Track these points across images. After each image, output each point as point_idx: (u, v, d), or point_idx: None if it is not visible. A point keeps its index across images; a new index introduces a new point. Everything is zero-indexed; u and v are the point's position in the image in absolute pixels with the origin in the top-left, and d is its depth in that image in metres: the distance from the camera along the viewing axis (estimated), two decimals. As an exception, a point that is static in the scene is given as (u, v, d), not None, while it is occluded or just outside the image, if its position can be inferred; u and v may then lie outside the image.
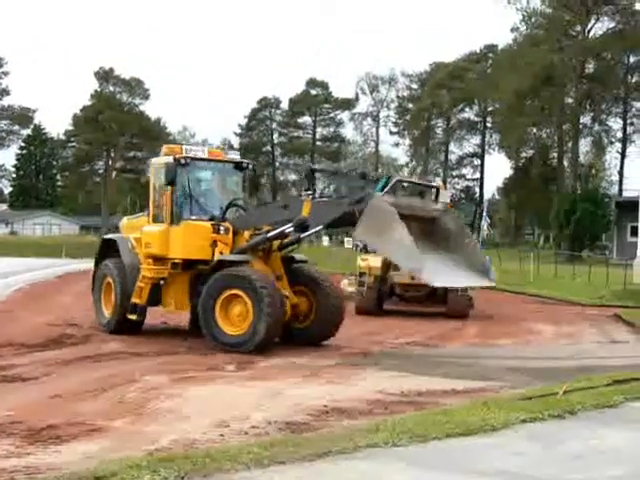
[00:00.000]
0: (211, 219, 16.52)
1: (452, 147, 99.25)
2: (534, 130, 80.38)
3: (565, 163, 76.83)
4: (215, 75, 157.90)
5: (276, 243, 16.10)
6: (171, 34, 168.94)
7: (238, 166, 17.59)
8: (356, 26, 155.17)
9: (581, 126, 76.12)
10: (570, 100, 74.63)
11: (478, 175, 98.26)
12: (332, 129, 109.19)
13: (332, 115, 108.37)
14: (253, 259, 15.88)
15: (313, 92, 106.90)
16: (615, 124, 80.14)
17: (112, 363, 13.29)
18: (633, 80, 74.25)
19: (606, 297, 30.66)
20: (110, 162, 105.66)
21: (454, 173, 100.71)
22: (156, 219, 16.98)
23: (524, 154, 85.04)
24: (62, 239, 71.80)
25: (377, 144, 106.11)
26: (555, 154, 79.90)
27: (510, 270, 39.48)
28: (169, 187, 16.42)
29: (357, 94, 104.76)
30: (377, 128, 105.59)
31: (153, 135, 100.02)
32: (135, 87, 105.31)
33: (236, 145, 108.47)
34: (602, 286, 33.33)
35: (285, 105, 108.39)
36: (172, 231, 16.47)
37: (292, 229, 15.54)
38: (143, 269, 16.57)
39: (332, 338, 16.25)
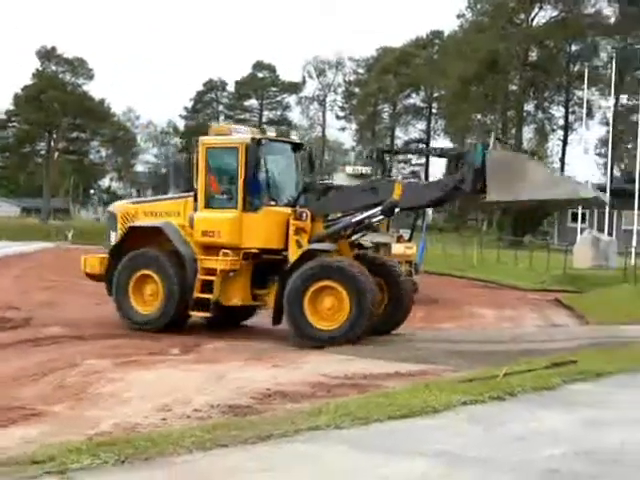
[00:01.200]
0: (286, 205, 15.50)
1: (398, 132, 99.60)
2: (479, 117, 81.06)
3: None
4: (160, 56, 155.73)
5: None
6: (116, 13, 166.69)
7: (297, 147, 16.68)
8: (303, 9, 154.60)
9: (525, 113, 77.01)
10: (514, 87, 75.40)
11: (423, 160, 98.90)
12: (279, 112, 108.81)
13: (279, 98, 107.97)
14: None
15: (260, 75, 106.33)
16: (557, 112, 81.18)
17: (53, 347, 13.13)
18: (575, 69, 75.10)
19: (547, 282, 31.16)
20: (52, 143, 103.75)
21: (400, 158, 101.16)
22: (210, 204, 15.48)
23: (469, 140, 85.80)
24: (2, 221, 70.52)
25: (324, 128, 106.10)
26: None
27: (454, 255, 39.85)
28: (240, 170, 15.05)
29: (304, 78, 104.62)
30: (324, 112, 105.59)
31: (97, 116, 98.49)
32: (78, 67, 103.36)
33: (181, 128, 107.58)
34: (543, 271, 33.85)
35: (231, 88, 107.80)
36: (247, 218, 15.09)
37: (380, 213, 14.94)
38: (211, 261, 15.08)
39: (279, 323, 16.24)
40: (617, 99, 63.46)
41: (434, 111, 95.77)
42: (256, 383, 10.26)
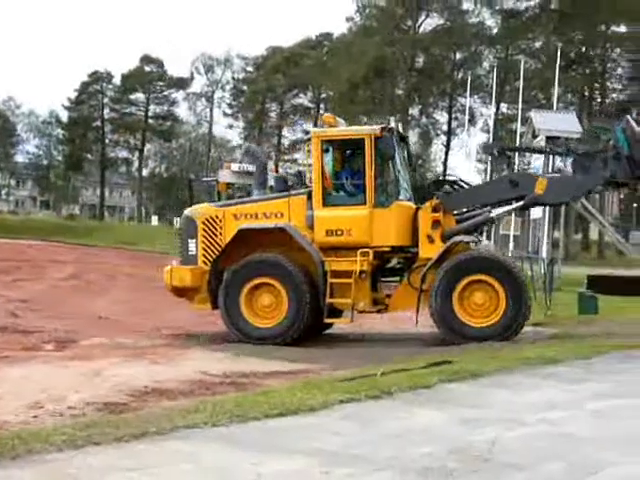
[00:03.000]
0: (408, 199, 14.95)
1: (285, 132, 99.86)
2: (365, 119, 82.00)
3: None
4: (44, 45, 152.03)
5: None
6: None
7: (403, 139, 16.00)
8: (193, 4, 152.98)
9: (410, 118, 78.28)
10: (400, 92, 76.61)
11: (311, 160, 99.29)
12: (165, 107, 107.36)
13: (166, 93, 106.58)
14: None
15: (147, 69, 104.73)
16: (441, 117, 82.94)
17: None
18: (459, 76, 76.87)
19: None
20: None
21: (286, 157, 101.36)
22: (330, 202, 14.48)
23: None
24: None
25: (211, 125, 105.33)
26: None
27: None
28: (368, 163, 14.13)
29: (192, 74, 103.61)
30: (211, 109, 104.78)
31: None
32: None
33: (64, 119, 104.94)
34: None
35: (118, 80, 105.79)
36: (378, 215, 14.24)
37: (522, 208, 14.78)
38: (342, 262, 14.20)
39: (162, 319, 15.95)
40: (498, 107, 65.22)
41: (322, 112, 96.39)
42: (133, 380, 10.08)
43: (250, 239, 14.59)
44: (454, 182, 15.61)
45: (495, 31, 75.63)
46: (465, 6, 75.58)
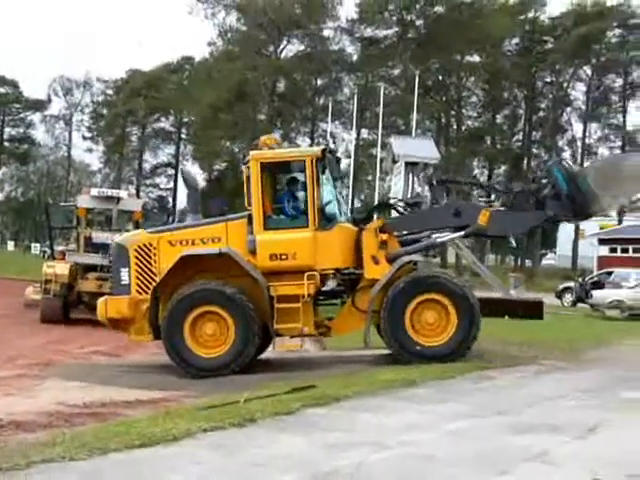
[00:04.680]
0: (347, 221, 14.82)
1: (147, 156, 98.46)
2: (227, 143, 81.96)
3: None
4: None
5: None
6: None
7: (338, 159, 15.95)
8: (51, 28, 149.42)
9: (271, 142, 78.64)
10: (262, 117, 76.99)
11: (172, 185, 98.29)
12: (22, 130, 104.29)
13: (22, 115, 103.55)
14: None
15: (2, 90, 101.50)
16: (303, 142, 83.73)
17: None
18: (320, 102, 77.92)
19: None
20: None
21: (148, 182, 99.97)
22: (270, 225, 14.13)
23: (217, 166, 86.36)
24: None
25: (70, 148, 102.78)
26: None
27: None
28: (309, 185, 14.01)
29: (49, 96, 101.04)
30: (70, 132, 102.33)
31: None
32: None
33: None
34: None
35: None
36: (321, 237, 14.04)
37: (464, 237, 15.04)
38: (288, 287, 13.89)
39: (14, 347, 15.41)
40: (358, 133, 66.44)
41: (183, 136, 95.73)
42: (-14, 414, 9.67)
43: (191, 266, 14.11)
44: (394, 205, 16.03)
45: (355, 58, 77.19)
46: (326, 33, 76.90)
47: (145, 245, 14.46)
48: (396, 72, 74.24)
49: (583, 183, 14.78)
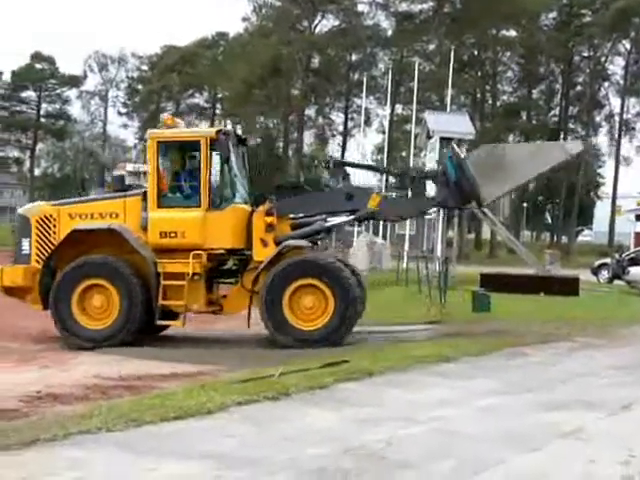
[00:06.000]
0: (245, 202, 14.83)
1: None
2: (262, 119, 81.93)
3: (290, 153, 79.19)
4: None
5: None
6: None
7: (242, 141, 15.78)
8: (85, 1, 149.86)
9: (306, 118, 78.61)
10: (296, 92, 76.81)
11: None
12: (58, 106, 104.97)
13: (58, 92, 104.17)
14: None
15: (38, 66, 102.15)
16: (337, 118, 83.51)
17: None
18: (355, 77, 77.51)
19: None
20: None
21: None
22: (164, 203, 14.27)
23: (252, 142, 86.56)
24: None
25: (105, 124, 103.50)
26: (281, 143, 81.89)
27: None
28: (203, 165, 14.09)
29: (85, 72, 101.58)
30: (105, 108, 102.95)
31: None
32: None
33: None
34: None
35: (7, 77, 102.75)
36: (212, 217, 14.17)
37: (355, 220, 15.21)
38: (175, 264, 13.95)
39: (47, 322, 15.56)
40: (393, 109, 66.04)
41: (218, 112, 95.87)
42: (25, 386, 9.85)
43: (83, 240, 14.36)
44: (296, 187, 16.17)
45: (390, 33, 76.64)
46: (360, 8, 76.37)
47: (46, 217, 14.78)
48: (431, 47, 73.61)
49: (469, 171, 14.90)
